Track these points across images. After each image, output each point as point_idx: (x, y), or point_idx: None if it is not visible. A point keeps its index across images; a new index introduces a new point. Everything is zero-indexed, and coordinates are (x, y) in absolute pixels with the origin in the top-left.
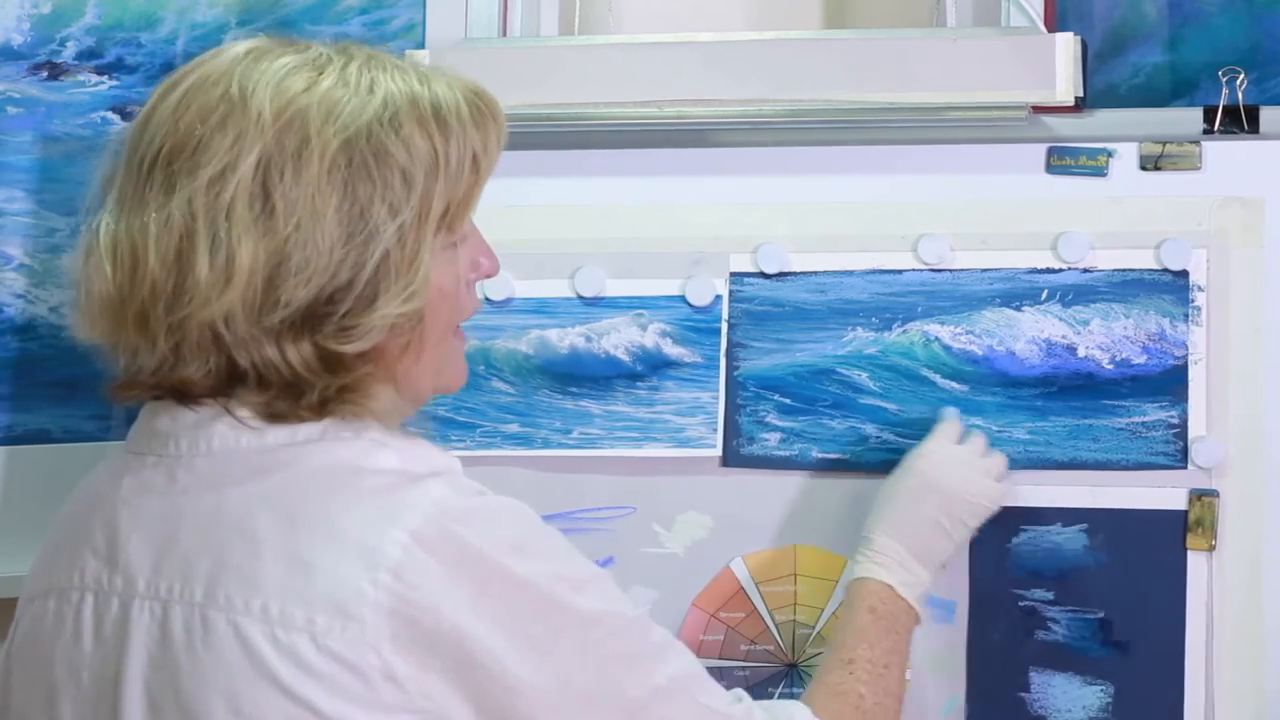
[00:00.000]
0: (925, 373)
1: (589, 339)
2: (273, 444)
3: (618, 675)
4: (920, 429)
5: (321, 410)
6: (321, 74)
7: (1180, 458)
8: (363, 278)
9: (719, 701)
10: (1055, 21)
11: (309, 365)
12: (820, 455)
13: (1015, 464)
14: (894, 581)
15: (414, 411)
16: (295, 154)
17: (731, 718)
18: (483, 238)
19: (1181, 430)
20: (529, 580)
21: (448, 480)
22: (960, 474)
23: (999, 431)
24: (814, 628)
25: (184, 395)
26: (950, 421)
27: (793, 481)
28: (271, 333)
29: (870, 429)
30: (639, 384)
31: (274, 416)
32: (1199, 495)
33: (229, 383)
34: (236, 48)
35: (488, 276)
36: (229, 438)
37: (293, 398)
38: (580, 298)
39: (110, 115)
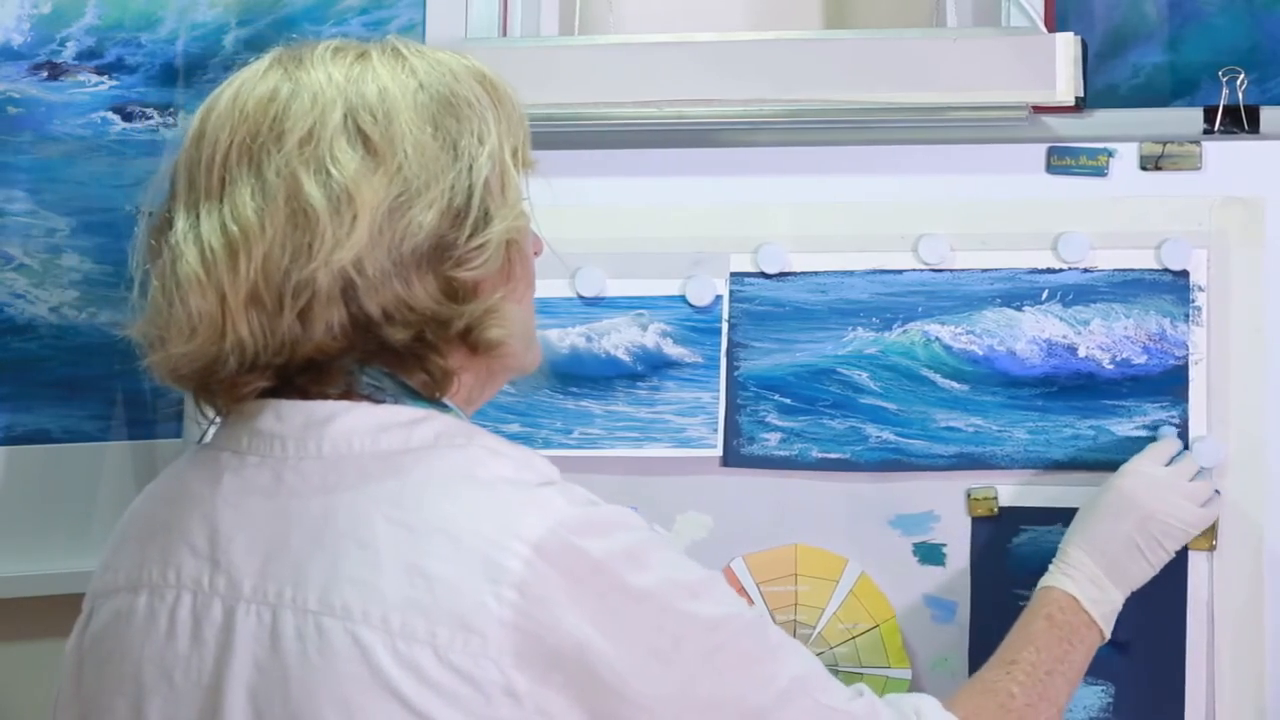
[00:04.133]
0: (926, 373)
1: (589, 339)
2: (385, 450)
3: (740, 680)
4: (920, 429)
5: (462, 343)
6: (368, 49)
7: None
8: (475, 200)
9: (839, 699)
10: (1055, 21)
11: (435, 298)
12: (820, 455)
13: (1015, 464)
14: (1080, 595)
15: (510, 377)
16: (379, 99)
17: (854, 715)
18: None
19: (1182, 430)
20: (647, 591)
21: (561, 490)
22: (1161, 495)
23: (999, 432)
24: (815, 628)
25: (316, 372)
26: (1165, 441)
27: (793, 481)
28: (401, 268)
29: (871, 429)
30: (639, 384)
31: (410, 363)
32: None
33: (361, 338)
34: (264, 57)
35: (535, 254)
36: (340, 442)
37: (439, 329)
38: (580, 298)
39: (110, 115)
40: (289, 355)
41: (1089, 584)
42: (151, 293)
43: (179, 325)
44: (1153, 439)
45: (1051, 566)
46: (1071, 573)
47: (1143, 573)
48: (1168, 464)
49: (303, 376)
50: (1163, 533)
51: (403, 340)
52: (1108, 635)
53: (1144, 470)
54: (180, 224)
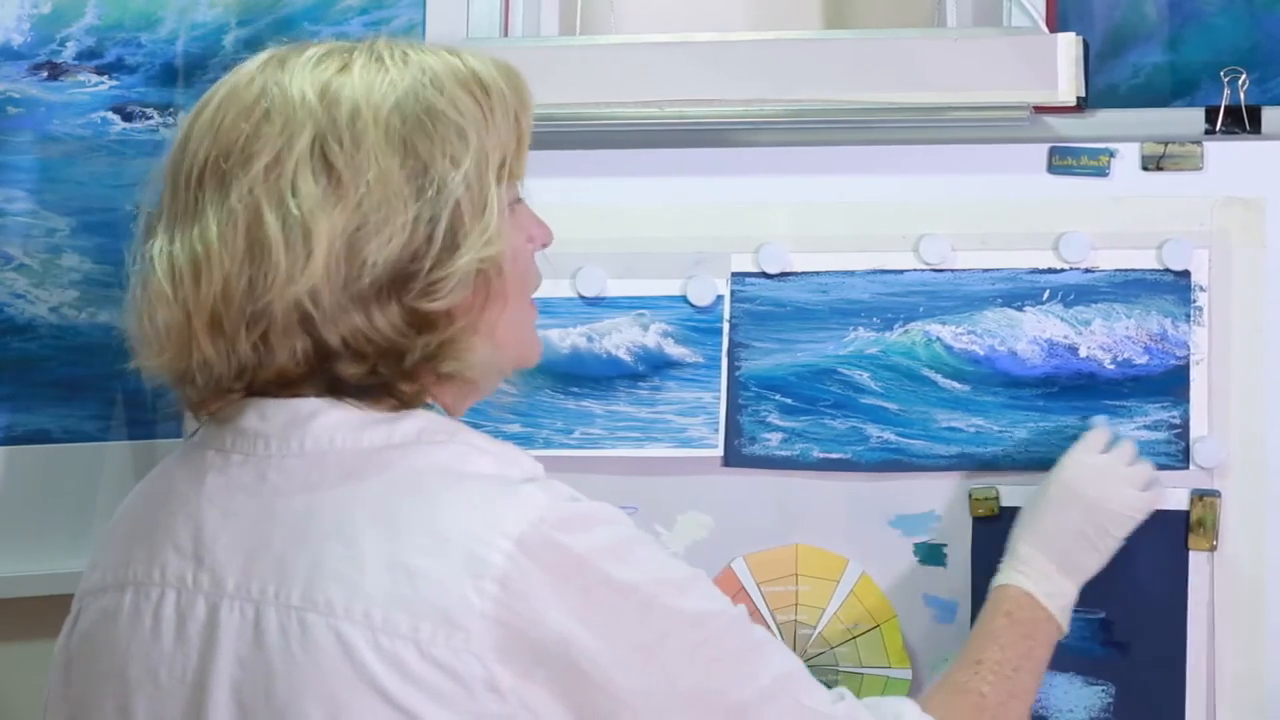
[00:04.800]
0: (927, 373)
1: (590, 339)
2: (368, 446)
3: (723, 676)
4: (921, 429)
5: (424, 370)
6: (351, 56)
7: (1182, 458)
8: (440, 231)
9: (821, 701)
10: (1056, 21)
11: (399, 329)
12: (822, 455)
13: (1016, 464)
14: (1036, 590)
15: (499, 381)
16: (349, 124)
17: (835, 718)
18: (531, 210)
19: (1183, 430)
20: (631, 585)
21: (543, 486)
22: (1104, 483)
23: (1000, 432)
24: (815, 628)
25: (284, 387)
26: (1098, 430)
27: (794, 481)
28: (360, 300)
29: (872, 429)
30: (640, 384)
31: (376, 390)
32: (1201, 495)
33: (322, 365)
34: (255, 59)
35: (543, 246)
36: (323, 439)
37: (393, 363)
38: (581, 298)
39: (110, 115)
40: (252, 378)
41: (1043, 579)
42: (131, 306)
43: (148, 340)
44: (1155, 437)
45: (1003, 565)
46: (1024, 569)
47: (1093, 563)
48: (1104, 451)
49: (275, 387)
50: (1109, 520)
51: (357, 375)
52: (1065, 629)
53: (1083, 460)
54: (159, 238)
